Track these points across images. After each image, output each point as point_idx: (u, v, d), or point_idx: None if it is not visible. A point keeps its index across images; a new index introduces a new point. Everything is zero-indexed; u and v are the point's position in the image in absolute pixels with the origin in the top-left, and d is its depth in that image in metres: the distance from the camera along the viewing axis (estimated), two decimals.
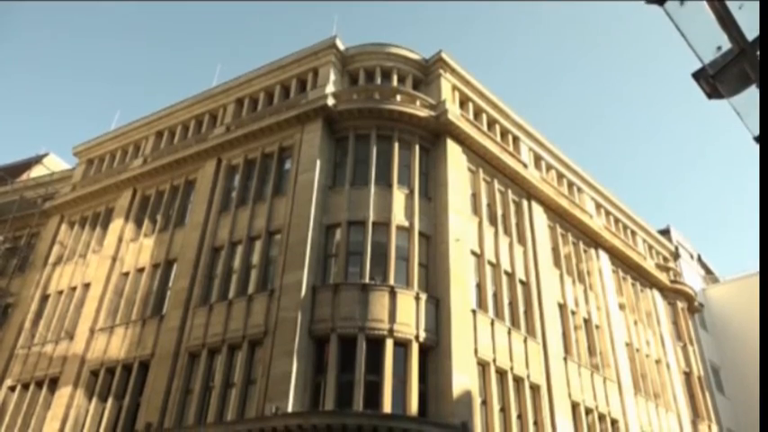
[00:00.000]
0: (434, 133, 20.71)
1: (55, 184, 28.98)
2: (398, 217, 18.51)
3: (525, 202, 23.23)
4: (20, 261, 26.85)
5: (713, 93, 5.50)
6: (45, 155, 36.57)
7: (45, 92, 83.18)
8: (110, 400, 19.12)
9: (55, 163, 35.64)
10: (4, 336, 23.99)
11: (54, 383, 20.94)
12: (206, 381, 17.50)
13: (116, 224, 23.86)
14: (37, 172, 33.18)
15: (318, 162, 19.32)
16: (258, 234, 19.50)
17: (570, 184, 27.55)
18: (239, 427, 15.26)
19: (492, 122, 24.22)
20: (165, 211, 23.11)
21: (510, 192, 22.73)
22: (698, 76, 5.54)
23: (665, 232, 35.59)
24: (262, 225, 19.54)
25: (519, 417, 18.11)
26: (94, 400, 19.52)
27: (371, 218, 18.26)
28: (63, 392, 20.11)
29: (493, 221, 21.36)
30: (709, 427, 27.13)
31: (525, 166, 23.93)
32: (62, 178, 29.22)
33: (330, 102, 20.13)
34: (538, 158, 25.94)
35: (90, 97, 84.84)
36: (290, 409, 14.99)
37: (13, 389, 22.11)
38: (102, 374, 19.96)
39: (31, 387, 21.58)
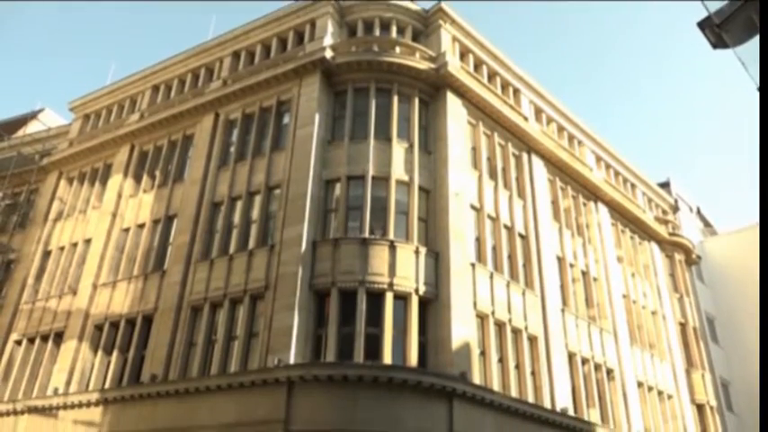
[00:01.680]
0: (434, 86, 20.42)
1: (52, 140, 28.77)
2: (398, 171, 18.44)
3: (525, 156, 23.11)
4: (20, 217, 26.90)
5: (718, 42, 5.40)
6: (41, 110, 36.25)
7: (38, 45, 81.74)
8: (115, 353, 19.47)
9: (51, 118, 35.31)
10: (8, 291, 24.26)
11: (59, 337, 21.27)
12: (209, 334, 17.76)
13: (115, 180, 23.80)
14: (33, 128, 32.93)
15: (317, 116, 19.12)
16: (258, 189, 19.47)
17: (571, 137, 27.37)
18: (242, 378, 15.57)
19: (492, 75, 23.87)
20: (164, 167, 23.01)
21: (510, 145, 22.59)
22: (703, 25, 5.43)
23: (665, 185, 35.56)
24: (261, 180, 19.48)
25: (516, 367, 18.47)
26: (100, 352, 19.88)
27: (371, 172, 18.19)
28: (68, 346, 20.46)
29: (493, 175, 21.30)
30: (703, 375, 27.72)
31: (526, 119, 23.70)
32: (59, 134, 28.99)
33: (328, 54, 19.78)
34: (539, 111, 25.68)
35: (84, 49, 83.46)
36: (291, 360, 15.27)
37: (19, 343, 22.49)
38: (106, 328, 20.26)
39: (37, 341, 21.93)
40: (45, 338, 21.82)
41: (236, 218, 19.43)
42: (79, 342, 20.33)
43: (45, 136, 29.39)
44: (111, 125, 26.09)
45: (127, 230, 22.30)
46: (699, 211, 40.12)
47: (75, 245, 23.68)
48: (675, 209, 34.44)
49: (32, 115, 34.26)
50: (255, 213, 19.08)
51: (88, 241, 23.05)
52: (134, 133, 24.19)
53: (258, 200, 19.25)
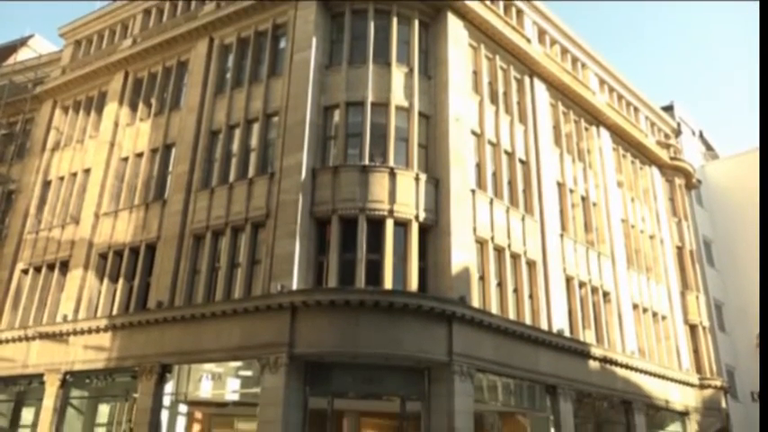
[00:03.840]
0: (434, 7, 19.73)
1: (44, 68, 28.10)
2: (398, 97, 18.12)
3: (527, 80, 22.65)
4: (17, 147, 26.68)
5: None
6: (30, 36, 35.29)
7: None
8: (120, 281, 19.80)
9: (41, 45, 34.43)
10: (11, 221, 24.42)
11: (65, 266, 21.58)
12: (212, 261, 18.00)
13: (110, 108, 23.44)
14: (23, 55, 32.13)
15: (314, 40, 18.59)
16: (255, 116, 19.20)
17: (574, 60, 26.74)
18: (246, 304, 15.91)
19: None
20: (160, 94, 22.61)
21: (512, 69, 22.10)
22: None
23: (669, 108, 35.08)
24: (259, 107, 19.19)
25: (515, 291, 18.84)
26: (105, 280, 20.22)
27: (370, 98, 17.87)
28: (74, 275, 20.78)
29: (494, 100, 20.96)
30: (697, 297, 28.29)
31: (529, 41, 23.05)
32: (51, 61, 28.27)
33: None
34: (542, 33, 24.96)
35: None
36: (294, 286, 15.56)
37: (25, 272, 22.84)
38: (110, 257, 20.52)
39: (43, 270, 22.27)
40: (51, 267, 22.15)
41: (235, 146, 19.27)
42: (85, 270, 20.64)
43: (37, 63, 28.68)
44: (104, 51, 25.44)
45: (125, 160, 22.17)
46: (701, 135, 39.79)
47: (74, 175, 23.61)
48: (678, 133, 34.12)
49: (22, 42, 33.35)
50: (254, 141, 18.91)
51: (87, 171, 22.97)
52: (127, 60, 23.62)
53: (256, 127, 19.03)
